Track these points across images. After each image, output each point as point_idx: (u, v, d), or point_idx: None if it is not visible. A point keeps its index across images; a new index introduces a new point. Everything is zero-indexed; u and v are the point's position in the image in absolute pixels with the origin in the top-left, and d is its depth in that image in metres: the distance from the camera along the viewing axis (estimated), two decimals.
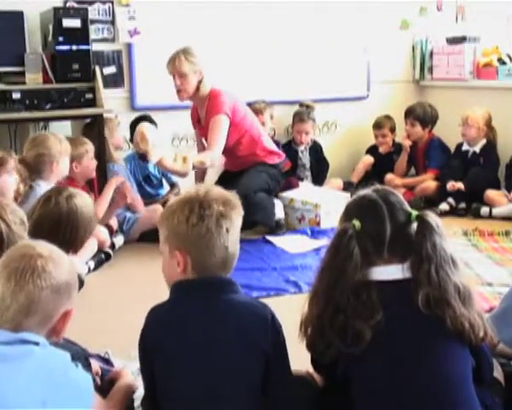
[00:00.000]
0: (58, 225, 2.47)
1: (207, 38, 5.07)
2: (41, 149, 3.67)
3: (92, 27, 4.80)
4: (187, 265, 1.76)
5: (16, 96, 4.27)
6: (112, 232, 4.18)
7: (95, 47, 4.81)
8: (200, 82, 4.33)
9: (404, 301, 1.67)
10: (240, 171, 4.53)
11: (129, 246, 4.27)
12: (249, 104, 5.25)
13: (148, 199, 4.81)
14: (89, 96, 4.45)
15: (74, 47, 4.38)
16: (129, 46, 5.03)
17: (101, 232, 3.94)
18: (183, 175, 4.23)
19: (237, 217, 1.80)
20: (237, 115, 4.42)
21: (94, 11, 4.86)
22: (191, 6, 5.09)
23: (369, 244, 1.72)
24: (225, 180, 4.37)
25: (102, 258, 3.89)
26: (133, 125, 4.59)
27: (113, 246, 4.10)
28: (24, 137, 4.67)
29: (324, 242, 4.21)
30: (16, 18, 4.44)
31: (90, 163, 4.25)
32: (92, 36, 4.78)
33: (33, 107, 4.26)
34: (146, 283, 3.42)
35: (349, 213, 1.81)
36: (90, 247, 3.79)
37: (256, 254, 4.05)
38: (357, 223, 1.73)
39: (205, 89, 4.35)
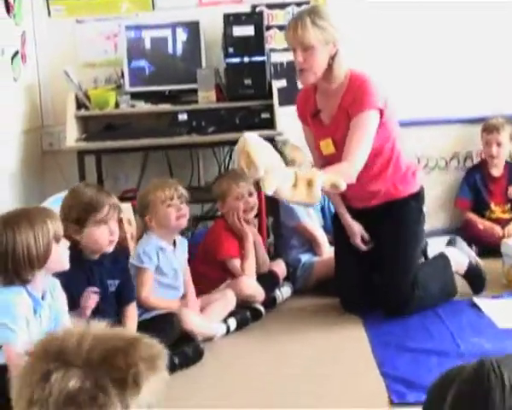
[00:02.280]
0: None
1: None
2: None
3: (282, 34, 4.14)
4: None
5: (183, 117, 3.76)
6: (277, 282, 3.45)
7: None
8: (332, 58, 2.94)
9: None
10: (363, 210, 3.18)
11: (298, 298, 3.49)
12: (482, 120, 4.15)
13: None
14: (265, 115, 3.76)
15: (246, 59, 3.73)
16: None
17: (247, 286, 3.22)
18: (310, 205, 3.22)
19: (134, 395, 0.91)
20: (386, 113, 2.99)
21: (288, 15, 4.17)
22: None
23: None
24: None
25: (247, 316, 3.14)
26: None
27: (273, 301, 3.36)
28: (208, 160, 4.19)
29: None
30: (192, 29, 3.94)
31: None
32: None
33: (196, 130, 3.69)
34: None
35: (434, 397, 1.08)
36: (224, 302, 3.11)
37: (449, 326, 3.00)
38: None
39: (340, 70, 2.96)
